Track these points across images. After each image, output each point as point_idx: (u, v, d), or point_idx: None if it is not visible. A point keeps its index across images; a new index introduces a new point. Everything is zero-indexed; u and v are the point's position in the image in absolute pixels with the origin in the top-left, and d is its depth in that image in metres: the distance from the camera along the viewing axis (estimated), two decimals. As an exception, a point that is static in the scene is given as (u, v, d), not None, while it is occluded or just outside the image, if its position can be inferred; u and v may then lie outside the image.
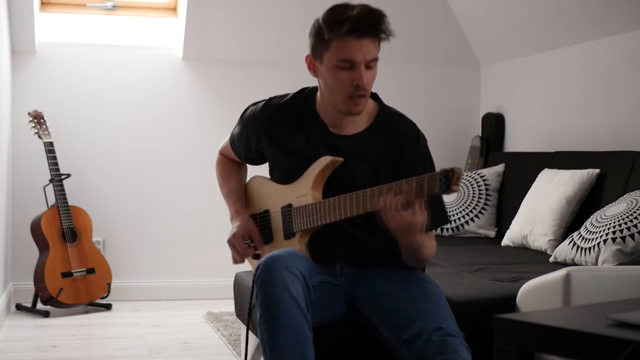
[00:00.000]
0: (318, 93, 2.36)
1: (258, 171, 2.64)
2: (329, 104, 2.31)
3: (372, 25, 2.19)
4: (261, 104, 2.44)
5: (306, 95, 2.39)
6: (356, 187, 2.20)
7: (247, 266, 2.65)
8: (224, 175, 2.62)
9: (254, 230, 2.44)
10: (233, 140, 2.56)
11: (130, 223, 4.91)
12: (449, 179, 1.96)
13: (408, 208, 2.06)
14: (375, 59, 2.23)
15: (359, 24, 2.18)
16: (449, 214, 4.29)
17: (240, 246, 2.43)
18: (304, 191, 2.32)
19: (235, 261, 2.48)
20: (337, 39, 2.20)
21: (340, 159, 2.30)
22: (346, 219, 2.23)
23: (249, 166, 2.65)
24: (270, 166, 2.48)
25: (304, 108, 2.37)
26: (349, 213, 2.19)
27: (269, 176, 2.53)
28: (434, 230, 2.35)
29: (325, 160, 2.30)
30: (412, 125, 2.37)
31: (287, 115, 2.38)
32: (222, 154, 2.66)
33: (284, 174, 2.40)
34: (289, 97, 2.41)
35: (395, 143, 2.32)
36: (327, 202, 2.24)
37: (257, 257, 2.49)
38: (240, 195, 2.57)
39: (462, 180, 4.43)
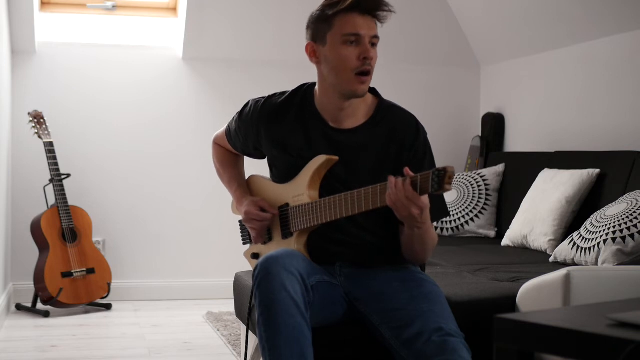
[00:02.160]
0: (316, 88, 2.36)
1: (255, 169, 2.65)
2: (331, 92, 2.30)
3: (373, 2, 2.23)
4: (261, 102, 2.43)
5: (304, 91, 2.40)
6: (358, 181, 2.21)
7: (247, 266, 2.65)
8: (223, 164, 2.63)
9: (261, 201, 2.43)
10: (230, 134, 2.56)
11: (130, 223, 4.91)
12: (442, 178, 1.98)
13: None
14: (378, 37, 2.27)
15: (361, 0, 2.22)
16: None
17: (258, 215, 2.40)
18: (300, 191, 2.33)
19: (253, 240, 2.48)
20: (341, 15, 2.23)
21: (336, 158, 2.30)
22: (346, 218, 2.23)
23: (247, 163, 2.65)
24: (269, 163, 2.48)
25: (303, 104, 2.37)
26: (345, 212, 2.20)
27: (264, 173, 2.54)
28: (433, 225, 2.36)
29: (320, 159, 2.30)
30: (411, 117, 2.37)
31: (287, 112, 2.38)
32: (218, 144, 2.66)
33: (283, 171, 2.40)
34: (287, 94, 2.41)
35: (396, 135, 2.32)
36: (323, 202, 2.24)
37: (256, 256, 2.50)
38: (242, 182, 2.58)
39: (462, 180, 4.43)
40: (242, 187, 2.55)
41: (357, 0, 2.21)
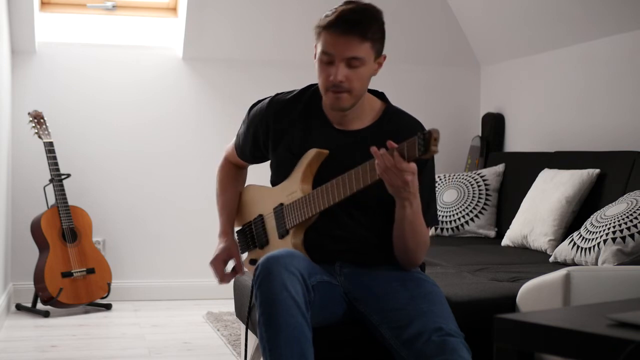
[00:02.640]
0: None
1: (255, 170, 2.65)
2: None
3: (354, 23, 2.19)
4: (267, 99, 2.45)
5: (313, 91, 2.40)
6: None
7: (247, 266, 2.65)
8: (222, 184, 2.65)
9: (235, 254, 2.54)
10: (239, 141, 2.56)
11: (130, 223, 4.91)
12: (427, 140, 1.98)
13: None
14: (357, 58, 2.21)
15: (341, 18, 2.19)
16: (447, 214, 4.31)
17: (219, 270, 2.54)
18: (293, 188, 2.33)
19: (221, 281, 2.57)
20: (324, 31, 2.22)
21: (326, 151, 2.31)
22: (344, 215, 2.23)
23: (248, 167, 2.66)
24: (271, 164, 2.48)
25: (310, 104, 2.38)
26: (337, 197, 2.19)
27: (264, 177, 2.54)
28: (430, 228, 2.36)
29: (310, 153, 2.30)
30: (417, 123, 2.37)
31: (293, 110, 2.38)
32: (226, 159, 2.66)
33: (285, 169, 2.40)
34: (295, 92, 2.42)
35: (398, 139, 2.32)
36: (316, 192, 2.25)
37: (254, 262, 2.50)
38: (232, 212, 2.61)
39: (462, 180, 4.43)
40: (228, 223, 2.60)
41: (338, 21, 2.19)
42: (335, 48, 2.20)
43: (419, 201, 2.18)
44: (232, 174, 2.64)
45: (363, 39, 2.20)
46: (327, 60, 2.22)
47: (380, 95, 2.40)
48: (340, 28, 2.19)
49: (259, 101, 2.48)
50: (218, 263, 2.55)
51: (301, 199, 2.29)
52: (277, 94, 2.45)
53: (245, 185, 2.65)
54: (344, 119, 2.33)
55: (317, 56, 2.26)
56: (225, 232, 2.59)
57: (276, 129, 2.39)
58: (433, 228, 4.29)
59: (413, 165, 2.07)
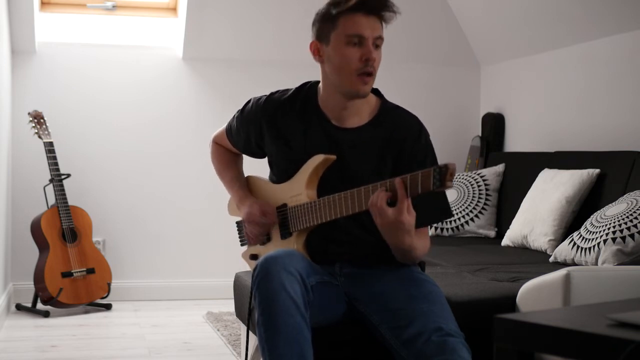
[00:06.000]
0: (320, 86, 2.36)
1: (254, 169, 2.65)
2: (333, 92, 2.30)
3: (377, 2, 2.22)
4: (263, 98, 2.44)
5: (308, 89, 2.40)
6: (358, 180, 2.21)
7: (247, 266, 2.65)
8: (223, 163, 2.62)
9: (264, 205, 2.41)
10: (231, 132, 2.55)
11: (130, 223, 4.91)
12: (443, 175, 1.97)
13: (394, 205, 2.07)
14: (382, 38, 2.25)
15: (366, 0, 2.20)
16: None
17: (260, 219, 2.39)
18: (298, 190, 2.32)
19: (249, 241, 2.47)
20: (345, 15, 2.22)
21: (333, 157, 2.30)
22: (345, 217, 2.23)
23: (245, 164, 2.65)
24: (269, 161, 2.48)
25: (306, 101, 2.37)
26: (344, 212, 2.19)
27: (262, 173, 2.53)
28: (428, 228, 2.36)
29: (318, 158, 2.30)
30: (414, 119, 2.37)
31: (289, 109, 2.38)
32: (217, 143, 2.65)
33: (283, 167, 2.40)
34: (291, 91, 2.41)
35: (397, 136, 2.32)
36: (322, 201, 2.24)
37: (254, 257, 2.49)
38: (243, 182, 2.56)
39: (462, 180, 4.43)
40: (244, 188, 2.53)
41: (363, 1, 2.21)
42: (367, 29, 2.21)
43: (411, 240, 2.16)
44: (229, 156, 2.62)
45: (383, 18, 2.25)
46: (356, 42, 2.22)
47: (375, 92, 2.40)
48: (366, 8, 2.21)
49: (257, 99, 2.46)
50: (255, 216, 2.39)
51: (306, 204, 2.28)
52: (273, 93, 2.44)
53: (247, 175, 2.63)
54: (342, 115, 2.33)
55: (339, 43, 2.23)
56: (247, 195, 2.48)
57: (273, 128, 2.38)
58: (433, 228, 4.29)
59: (409, 221, 2.08)
